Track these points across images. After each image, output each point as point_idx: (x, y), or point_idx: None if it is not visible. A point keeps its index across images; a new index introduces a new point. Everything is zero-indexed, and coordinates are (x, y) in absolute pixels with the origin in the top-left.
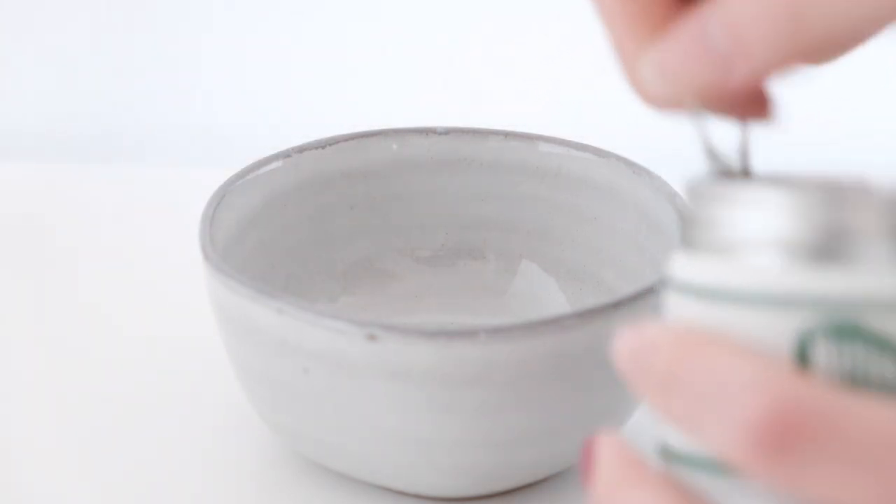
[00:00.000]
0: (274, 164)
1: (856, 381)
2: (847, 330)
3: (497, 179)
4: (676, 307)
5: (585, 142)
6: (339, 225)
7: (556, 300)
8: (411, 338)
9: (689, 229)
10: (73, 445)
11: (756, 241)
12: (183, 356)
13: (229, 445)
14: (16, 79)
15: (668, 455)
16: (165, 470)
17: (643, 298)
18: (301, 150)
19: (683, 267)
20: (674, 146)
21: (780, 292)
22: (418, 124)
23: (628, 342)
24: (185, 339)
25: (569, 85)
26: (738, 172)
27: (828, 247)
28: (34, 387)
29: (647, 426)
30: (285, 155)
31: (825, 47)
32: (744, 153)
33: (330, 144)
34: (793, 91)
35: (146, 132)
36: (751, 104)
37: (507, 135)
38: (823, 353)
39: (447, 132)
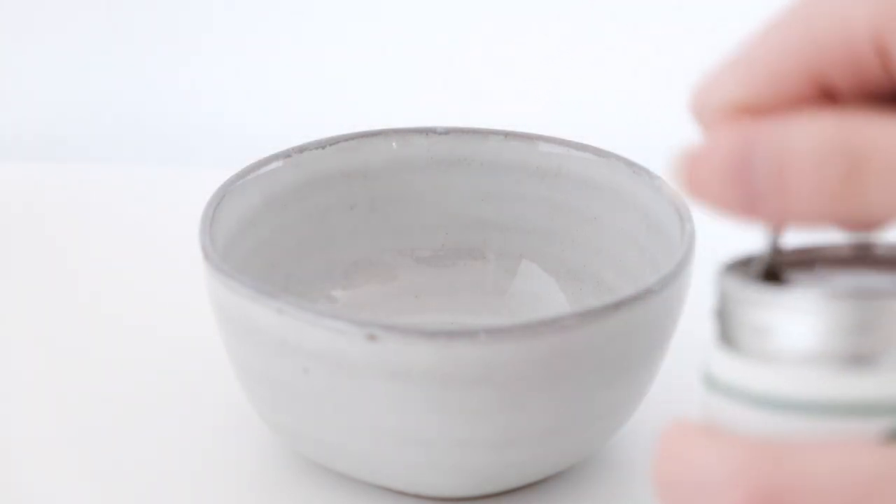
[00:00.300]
0: (274, 164)
1: None
2: None
3: (497, 179)
4: (727, 414)
5: (585, 142)
6: (339, 225)
7: (556, 300)
8: (411, 338)
9: (739, 332)
10: (73, 445)
11: (822, 350)
12: (183, 356)
13: (229, 445)
14: (16, 79)
15: None
16: (165, 470)
17: (643, 298)
18: (301, 150)
19: (735, 371)
20: (674, 146)
21: (862, 401)
22: (418, 124)
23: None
24: (185, 339)
25: (569, 85)
26: (777, 268)
27: None
28: (34, 387)
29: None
30: (285, 155)
31: (871, 222)
32: (775, 248)
33: (330, 144)
34: None
35: (146, 132)
36: None
37: (507, 135)
38: None
39: (447, 132)
